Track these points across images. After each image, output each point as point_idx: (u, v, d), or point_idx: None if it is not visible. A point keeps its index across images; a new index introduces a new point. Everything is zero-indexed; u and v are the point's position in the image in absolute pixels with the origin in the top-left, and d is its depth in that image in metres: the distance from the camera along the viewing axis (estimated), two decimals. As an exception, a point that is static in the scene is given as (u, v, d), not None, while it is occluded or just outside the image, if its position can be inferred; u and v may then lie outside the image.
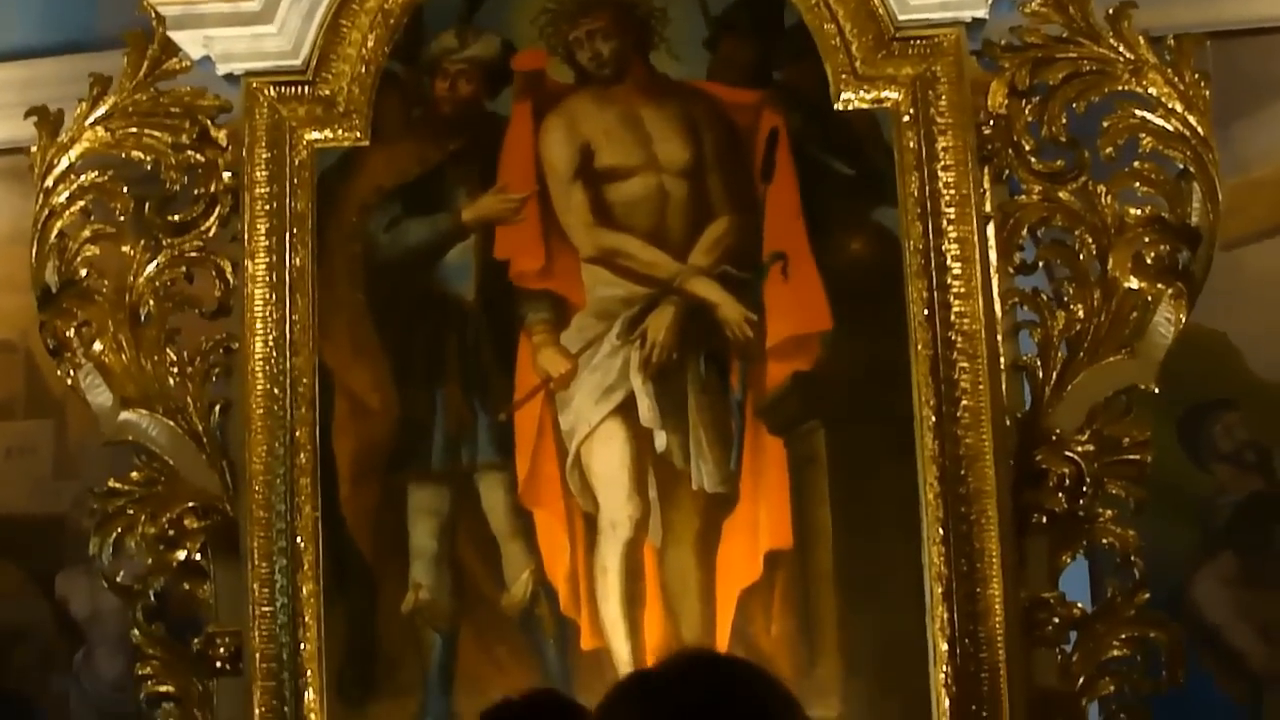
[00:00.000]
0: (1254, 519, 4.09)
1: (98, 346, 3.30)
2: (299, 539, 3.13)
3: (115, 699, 4.00)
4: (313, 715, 3.11)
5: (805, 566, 3.06)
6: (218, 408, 3.29)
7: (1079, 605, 3.17)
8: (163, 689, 3.28)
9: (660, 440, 3.10)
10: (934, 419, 3.04)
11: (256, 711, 3.13)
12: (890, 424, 3.06)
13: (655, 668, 1.82)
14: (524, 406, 3.15)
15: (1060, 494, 3.09)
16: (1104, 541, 3.17)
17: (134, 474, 3.30)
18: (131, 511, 3.27)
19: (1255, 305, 4.07)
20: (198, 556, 3.26)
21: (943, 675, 2.99)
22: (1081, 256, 3.17)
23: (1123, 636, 3.14)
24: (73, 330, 3.30)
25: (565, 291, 3.18)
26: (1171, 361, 3.18)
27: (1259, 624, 4.02)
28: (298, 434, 3.15)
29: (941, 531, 3.02)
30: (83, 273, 3.31)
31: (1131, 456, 3.16)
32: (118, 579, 3.33)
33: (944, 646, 3.00)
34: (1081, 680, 3.13)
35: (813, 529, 3.06)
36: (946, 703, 2.98)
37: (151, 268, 3.31)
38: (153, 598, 3.30)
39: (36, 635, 4.09)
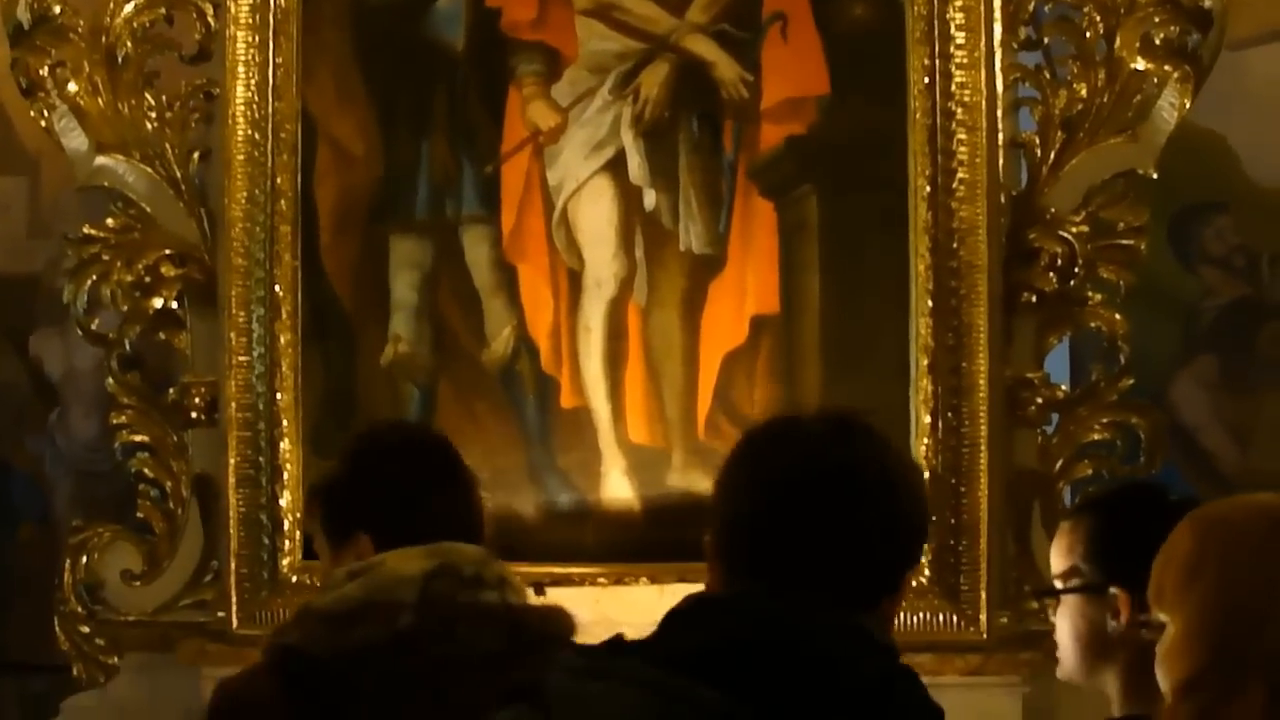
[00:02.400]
0: (1237, 324, 4.09)
1: (73, 88, 3.20)
2: (277, 288, 3.07)
3: (90, 458, 3.99)
4: (288, 466, 3.09)
5: (791, 333, 3.03)
6: (197, 155, 3.20)
7: (1062, 387, 3.16)
8: (138, 439, 3.25)
9: (649, 199, 3.04)
10: (929, 189, 2.99)
11: (231, 461, 3.10)
12: (884, 193, 3.02)
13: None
14: (511, 159, 3.08)
15: (1051, 274, 3.06)
16: (1092, 325, 3.15)
17: (109, 221, 3.23)
18: (107, 258, 3.20)
19: (1256, 109, 4.03)
20: (174, 305, 3.21)
21: (923, 448, 2.99)
22: (1088, 34, 3.10)
23: (1104, 421, 3.14)
24: (46, 69, 3.19)
25: (558, 44, 3.09)
26: (1168, 162, 3.14)
27: (1233, 427, 4.04)
28: (278, 181, 3.07)
29: (930, 304, 2.99)
30: (57, 9, 3.19)
31: (1125, 241, 3.13)
32: (93, 328, 3.27)
33: (926, 419, 2.98)
34: (1060, 462, 3.12)
35: (800, 295, 3.02)
36: (925, 475, 2.96)
37: (129, 8, 3.20)
38: (128, 347, 3.26)
39: (11, 395, 4.07)
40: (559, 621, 1.75)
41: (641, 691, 1.40)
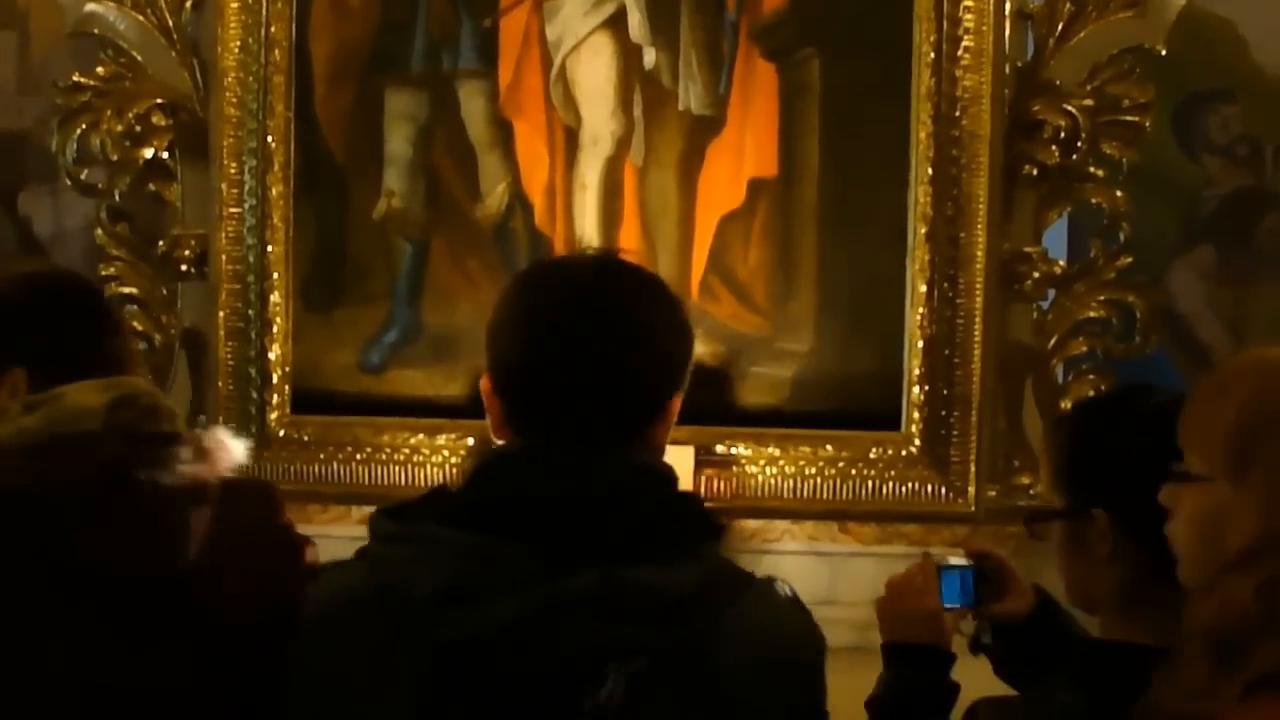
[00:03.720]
0: (1238, 214, 4.05)
1: (62, -70, 3.13)
2: (270, 139, 3.03)
3: (78, 320, 3.95)
4: (278, 319, 3.06)
5: (788, 197, 2.99)
6: (189, 2, 3.13)
7: (1060, 263, 3.13)
8: (127, 290, 3.21)
9: (649, 57, 2.98)
10: (933, 56, 2.95)
11: (220, 314, 3.07)
12: (888, 58, 2.97)
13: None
14: (510, 13, 3.01)
15: (1054, 147, 3.02)
16: (1093, 201, 3.12)
17: (99, 69, 3.17)
18: (97, 106, 3.15)
19: (1268, -4, 3.95)
20: (165, 156, 3.16)
21: (918, 317, 2.97)
22: (1100, -96, 3.04)
23: (1101, 298, 3.12)
24: (35, -89, 3.13)
25: (559, -105, 3.02)
26: (1175, 48, 3.10)
27: (1229, 319, 4.02)
28: (273, 31, 3.01)
29: (930, 172, 2.95)
30: None
31: (1130, 118, 3.09)
32: (82, 178, 3.23)
33: (922, 288, 2.96)
34: (1055, 338, 3.11)
35: (799, 159, 2.99)
36: (919, 344, 2.96)
37: None
38: (117, 198, 3.22)
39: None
40: (227, 449, 1.76)
41: (436, 550, 1.57)
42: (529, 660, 1.54)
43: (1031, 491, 3.05)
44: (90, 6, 3.15)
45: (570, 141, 3.01)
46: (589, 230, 2.99)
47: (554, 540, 1.56)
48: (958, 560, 2.14)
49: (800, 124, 2.98)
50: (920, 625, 2.07)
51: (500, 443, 1.69)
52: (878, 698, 2.03)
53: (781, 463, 2.98)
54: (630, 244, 2.99)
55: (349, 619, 1.62)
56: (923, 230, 2.95)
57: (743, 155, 2.99)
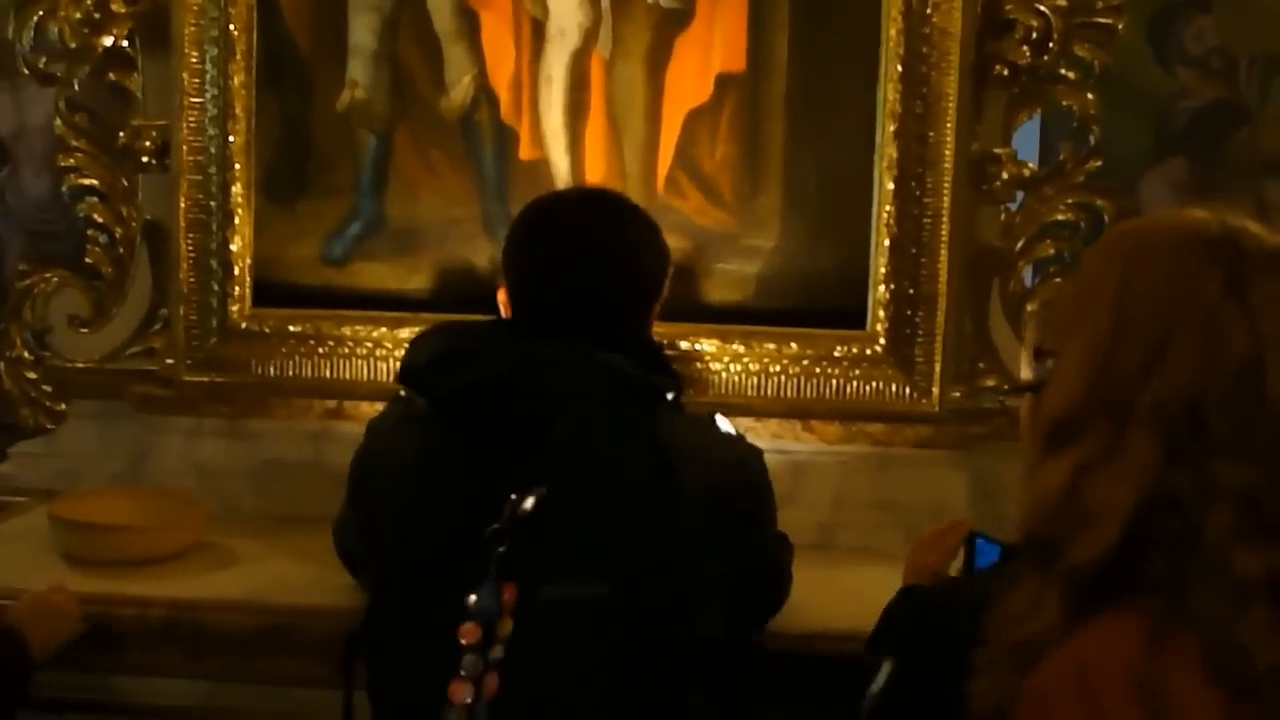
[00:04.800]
0: (1211, 126, 4.03)
1: None
2: (232, 27, 2.97)
3: (41, 218, 3.91)
4: (239, 210, 3.03)
5: (756, 93, 2.95)
6: (148, -119, 3.08)
7: (1030, 165, 3.11)
8: (86, 182, 3.18)
9: (617, -53, 2.94)
10: (905, -49, 2.90)
11: (181, 205, 3.04)
12: (859, -48, 2.92)
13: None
14: (477, -99, 2.97)
15: (1025, 47, 2.99)
16: (1063, 104, 3.09)
17: (57, -48, 3.12)
18: (54, -8, 3.11)
19: (1249, -104, 3.92)
20: (125, 45, 3.11)
21: (885, 215, 2.94)
22: None
23: (1069, 201, 3.09)
24: None
25: None
26: (1150, -47, 3.06)
27: (1201, 231, 3.98)
28: (235, -85, 2.96)
29: (900, 70, 2.91)
30: None
31: (1103, 20, 3.05)
32: (40, 67, 3.18)
33: (889, 186, 2.93)
34: (1022, 241, 3.09)
35: (768, 55, 2.94)
36: (886, 242, 2.94)
37: None
38: (76, 87, 3.17)
39: (-42, 151, 3.97)
40: None
41: (435, 334, 2.13)
42: (502, 403, 1.98)
43: (998, 394, 3.06)
44: (46, -112, 3.09)
45: (537, 33, 2.96)
46: (555, 123, 2.96)
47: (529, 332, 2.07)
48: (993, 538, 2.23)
49: (769, 19, 2.93)
50: (926, 578, 2.26)
51: None
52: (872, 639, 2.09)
53: (746, 360, 2.97)
54: (596, 137, 2.96)
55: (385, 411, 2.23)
56: (891, 128, 2.92)
57: (711, 49, 2.95)
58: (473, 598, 1.92)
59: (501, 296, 2.25)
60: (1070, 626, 1.32)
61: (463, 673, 1.92)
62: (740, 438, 2.28)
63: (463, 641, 1.92)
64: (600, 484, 1.95)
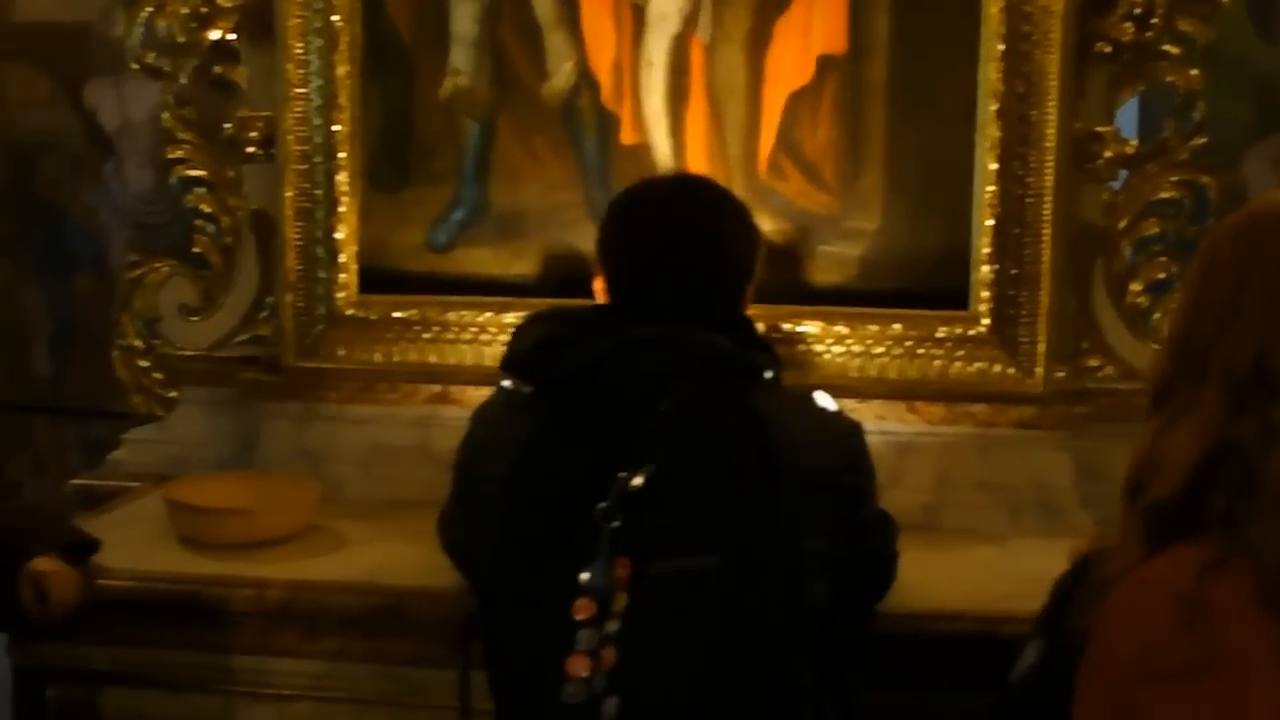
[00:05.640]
0: (1316, 102, 3.97)
1: None
2: (336, 18, 3.02)
3: (145, 210, 3.99)
4: (345, 199, 3.07)
5: (857, 74, 2.94)
6: (253, -119, 3.13)
7: (1132, 142, 3.08)
8: (194, 173, 3.23)
9: (717, -69, 2.95)
10: (1006, -72, 2.89)
11: (287, 194, 3.08)
12: (959, -70, 2.91)
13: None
14: (577, -112, 2.99)
15: (1128, 23, 2.96)
16: (1167, 80, 3.06)
17: (165, -48, 3.17)
18: (162, -12, 3.16)
19: None
20: (231, 37, 3.16)
21: (987, 195, 2.92)
22: None
23: (1173, 179, 3.06)
24: None
25: None
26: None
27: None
28: (338, -92, 3.00)
29: (1002, 48, 2.89)
30: None
31: (1208, -6, 3.01)
32: (148, 62, 3.23)
33: (992, 166, 2.91)
34: (1126, 220, 3.06)
35: (868, 36, 2.93)
36: (988, 222, 2.93)
37: None
38: (183, 80, 3.22)
39: (66, 146, 4.06)
40: None
41: (536, 322, 2.19)
42: (605, 385, 2.03)
43: (1100, 373, 3.04)
44: (152, -111, 3.14)
45: (637, 18, 2.97)
46: (656, 107, 2.97)
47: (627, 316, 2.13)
48: None
49: (870, 0, 2.93)
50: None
51: None
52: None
53: (849, 342, 2.97)
54: (697, 121, 2.97)
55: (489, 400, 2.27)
56: (993, 107, 2.90)
57: (811, 31, 2.94)
58: (585, 574, 1.97)
59: (598, 285, 2.30)
60: (1147, 557, 1.50)
61: (579, 647, 1.97)
62: (839, 413, 2.30)
63: (577, 617, 1.97)
64: (706, 459, 2.00)
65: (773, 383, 2.15)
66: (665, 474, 1.97)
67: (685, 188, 2.33)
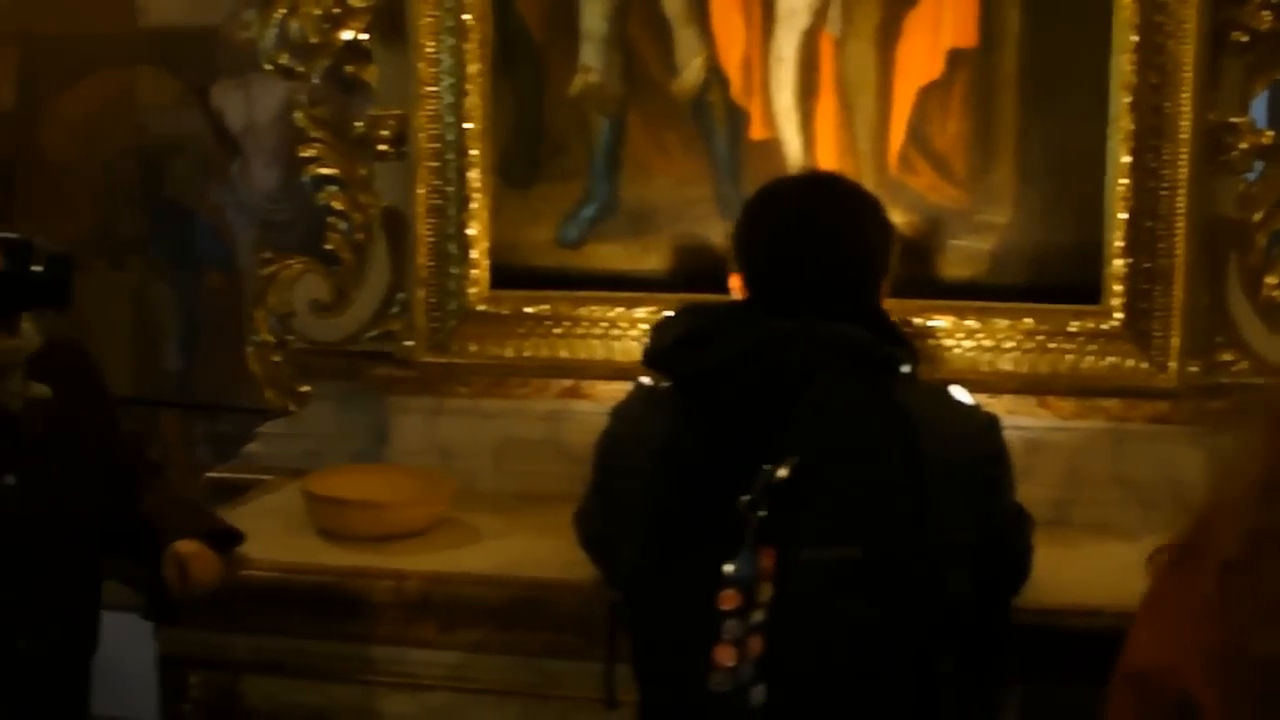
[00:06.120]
0: None
1: None
2: (467, 17, 3.06)
3: (270, 208, 4.06)
4: (476, 195, 3.11)
5: (988, 67, 2.93)
6: (384, -117, 3.17)
7: (1269, 133, 3.04)
8: (326, 171, 3.29)
9: (846, -74, 2.95)
10: (1139, -82, 2.86)
11: (420, 191, 3.13)
12: (1091, -79, 2.89)
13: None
14: (705, -116, 3.00)
15: (1264, 11, 2.91)
16: (1306, 69, 3.01)
17: (306, -46, 3.23)
18: (295, -10, 3.22)
19: None
20: (363, 37, 3.21)
21: (1120, 188, 2.90)
22: None
23: (1312, 169, 3.01)
24: None
25: None
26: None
27: None
28: (468, -92, 3.04)
29: (1135, 40, 2.86)
30: None
31: (1349, -18, 2.96)
32: (282, 63, 3.29)
33: (1125, 158, 2.89)
34: (1261, 212, 3.02)
35: (999, 28, 2.92)
36: (1121, 215, 2.90)
37: None
38: (315, 80, 3.28)
39: (194, 147, 4.14)
40: None
41: (678, 318, 2.17)
42: (747, 378, 2.04)
43: (1234, 368, 3.00)
44: (281, -106, 3.20)
45: (767, 13, 2.98)
46: (786, 103, 2.98)
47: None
48: None
49: (1000, -8, 2.92)
50: None
51: None
52: None
53: (980, 336, 2.96)
54: (827, 116, 2.97)
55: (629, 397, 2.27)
56: (1126, 99, 2.87)
57: (941, 25, 2.93)
58: (729, 566, 1.99)
59: (734, 282, 2.30)
60: None
61: (725, 637, 1.98)
62: (977, 406, 2.29)
63: (723, 607, 1.98)
64: (849, 451, 2.01)
65: (910, 376, 2.15)
66: (809, 466, 1.98)
67: (820, 184, 2.34)
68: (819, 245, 2.19)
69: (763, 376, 2.04)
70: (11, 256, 1.60)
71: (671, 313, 2.25)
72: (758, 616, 1.98)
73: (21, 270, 1.62)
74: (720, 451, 2.05)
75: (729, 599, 1.98)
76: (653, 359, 2.19)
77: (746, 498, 1.98)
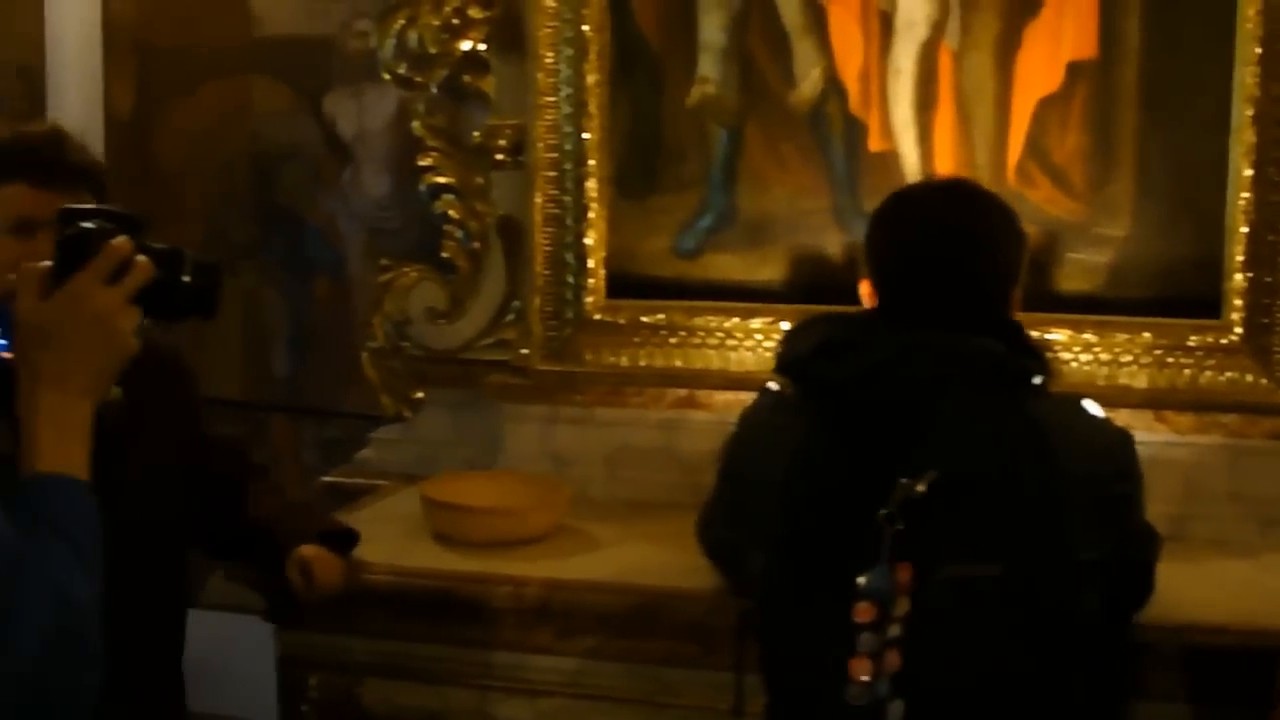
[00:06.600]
0: None
1: None
2: (586, 28, 3.09)
3: (381, 216, 4.10)
4: (594, 205, 3.13)
5: (1108, 79, 2.92)
6: (504, -104, 3.21)
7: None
8: (443, 180, 3.33)
9: (966, -62, 2.95)
10: (1263, -72, 2.84)
11: (537, 200, 3.16)
12: (1214, -67, 2.87)
13: None
14: (824, -103, 3.01)
15: (1390, 25, 2.88)
16: None
17: (416, -35, 3.27)
18: (415, 1, 3.26)
19: None
20: (481, 48, 3.25)
21: (1241, 202, 2.87)
22: None
23: None
24: None
25: None
26: None
27: None
28: (587, -79, 3.07)
29: (1258, 52, 2.83)
30: None
31: None
32: (400, 72, 3.33)
33: (1246, 172, 2.86)
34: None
35: (1120, 40, 2.91)
36: (1243, 229, 2.87)
37: None
38: (434, 90, 3.32)
39: (306, 154, 4.19)
40: None
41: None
42: (885, 388, 2.03)
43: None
44: (401, -93, 3.25)
45: (885, 25, 2.99)
46: (904, 114, 2.98)
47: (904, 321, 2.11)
48: None
49: (1121, 4, 2.89)
50: None
51: None
52: None
53: (1097, 349, 2.94)
54: (945, 128, 2.97)
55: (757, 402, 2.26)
56: (1248, 112, 2.85)
57: (1061, 37, 2.93)
58: (863, 578, 1.99)
59: (864, 289, 2.28)
60: None
61: (861, 650, 1.99)
62: (1109, 420, 2.27)
63: (858, 620, 1.99)
64: (987, 466, 2.01)
65: (1042, 388, 2.14)
66: (948, 480, 1.97)
67: (956, 190, 2.31)
68: (955, 252, 2.16)
69: (900, 388, 2.04)
70: (164, 266, 1.63)
71: (806, 320, 2.25)
72: (894, 631, 1.98)
73: (174, 280, 1.65)
74: (855, 462, 2.05)
75: (864, 612, 1.98)
76: (787, 366, 2.19)
77: (884, 511, 1.98)
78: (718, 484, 2.36)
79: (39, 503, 1.51)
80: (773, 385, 2.24)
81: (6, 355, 1.68)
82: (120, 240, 1.58)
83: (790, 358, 2.18)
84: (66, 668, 1.45)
